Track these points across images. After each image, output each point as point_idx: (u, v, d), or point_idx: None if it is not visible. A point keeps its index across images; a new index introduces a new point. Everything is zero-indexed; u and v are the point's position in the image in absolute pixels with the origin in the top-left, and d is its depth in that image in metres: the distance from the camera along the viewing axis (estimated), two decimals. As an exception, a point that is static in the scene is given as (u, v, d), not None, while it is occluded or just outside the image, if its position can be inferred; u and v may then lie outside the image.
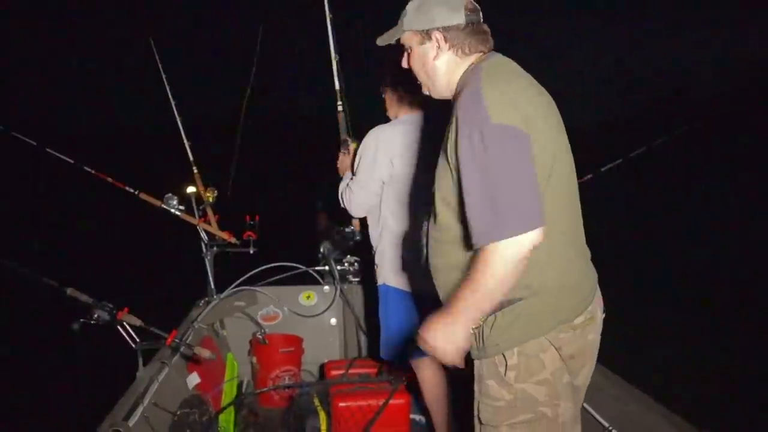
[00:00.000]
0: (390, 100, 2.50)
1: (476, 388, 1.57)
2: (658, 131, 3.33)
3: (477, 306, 1.37)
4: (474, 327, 1.47)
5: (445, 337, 1.40)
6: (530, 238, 1.29)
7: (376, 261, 2.54)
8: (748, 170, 12.22)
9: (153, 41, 3.39)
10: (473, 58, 1.54)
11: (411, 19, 1.54)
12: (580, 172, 1.61)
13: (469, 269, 1.37)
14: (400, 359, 2.55)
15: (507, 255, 1.29)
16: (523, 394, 1.48)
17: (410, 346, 2.50)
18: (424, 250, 1.63)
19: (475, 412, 1.57)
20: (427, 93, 1.64)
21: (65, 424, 3.76)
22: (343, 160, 2.67)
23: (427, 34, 1.53)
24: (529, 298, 1.45)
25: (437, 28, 1.51)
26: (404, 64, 1.63)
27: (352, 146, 2.63)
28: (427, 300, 2.34)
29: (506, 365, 1.47)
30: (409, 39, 1.57)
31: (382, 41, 1.62)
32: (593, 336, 1.58)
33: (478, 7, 1.55)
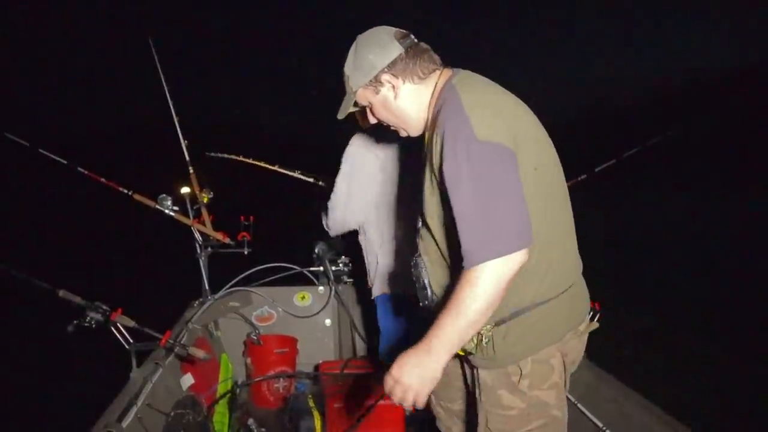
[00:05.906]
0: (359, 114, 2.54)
1: (483, 398, 1.53)
2: (648, 132, 3.35)
3: (461, 335, 1.28)
4: (485, 338, 1.43)
5: (422, 375, 1.28)
6: (519, 257, 1.26)
7: (368, 269, 2.62)
8: (745, 169, 12.27)
9: (151, 39, 3.36)
10: (433, 78, 1.50)
11: (354, 78, 1.50)
12: (576, 172, 1.61)
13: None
14: None
15: (498, 273, 1.24)
16: (537, 401, 1.47)
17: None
18: (421, 276, 1.55)
19: (482, 422, 1.54)
20: (405, 135, 1.58)
21: (59, 426, 3.74)
22: None
23: (376, 81, 1.48)
24: (544, 304, 1.43)
25: (382, 71, 1.47)
26: (372, 121, 1.59)
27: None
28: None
29: (521, 374, 1.45)
30: (363, 97, 1.53)
31: (341, 114, 1.57)
32: (585, 340, 1.61)
33: (406, 31, 1.51)
